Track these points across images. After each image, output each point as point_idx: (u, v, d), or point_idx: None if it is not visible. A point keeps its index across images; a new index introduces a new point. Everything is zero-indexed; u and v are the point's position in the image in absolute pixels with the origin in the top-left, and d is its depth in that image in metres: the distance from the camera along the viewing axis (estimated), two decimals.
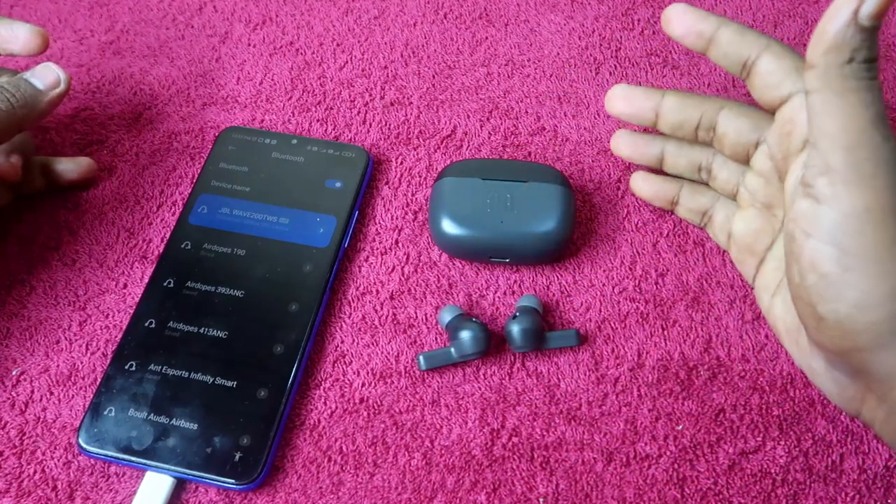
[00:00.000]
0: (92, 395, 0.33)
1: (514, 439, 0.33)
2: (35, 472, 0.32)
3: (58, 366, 0.35)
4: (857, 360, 0.27)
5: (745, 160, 0.34)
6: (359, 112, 0.44)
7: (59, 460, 0.32)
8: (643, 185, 0.38)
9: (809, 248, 0.27)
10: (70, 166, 0.39)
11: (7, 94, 0.34)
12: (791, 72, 0.30)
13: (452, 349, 0.34)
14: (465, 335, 0.34)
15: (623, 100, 0.36)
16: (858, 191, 0.25)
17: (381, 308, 0.37)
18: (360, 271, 0.38)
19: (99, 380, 0.34)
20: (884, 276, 0.25)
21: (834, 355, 0.28)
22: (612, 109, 0.37)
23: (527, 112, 0.44)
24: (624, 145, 0.38)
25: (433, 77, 0.46)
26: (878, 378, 0.27)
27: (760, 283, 0.34)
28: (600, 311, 0.37)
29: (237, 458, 0.31)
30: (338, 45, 0.47)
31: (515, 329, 0.34)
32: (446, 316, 0.35)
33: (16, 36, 0.36)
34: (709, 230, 0.38)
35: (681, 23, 0.32)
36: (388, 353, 0.35)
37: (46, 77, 0.35)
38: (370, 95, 0.45)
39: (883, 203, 0.25)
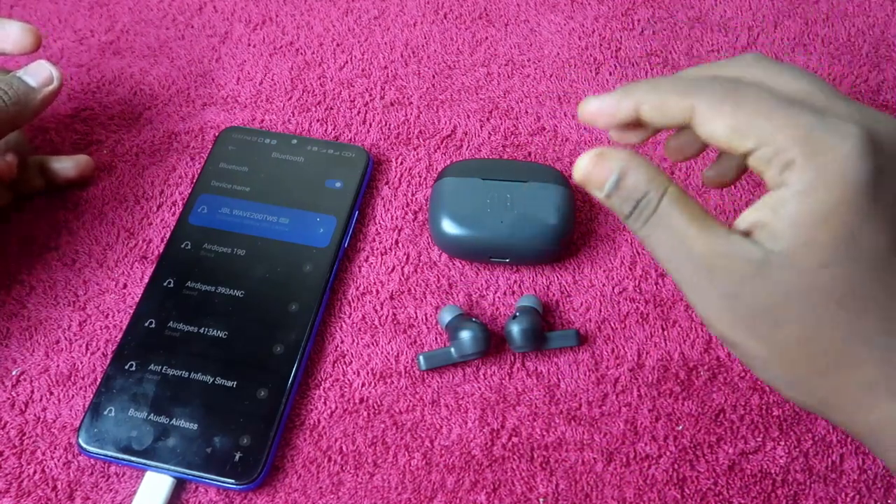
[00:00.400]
0: (92, 395, 0.33)
1: (514, 439, 0.33)
2: (35, 472, 0.32)
3: (58, 366, 0.35)
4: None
5: None
6: (359, 112, 0.44)
7: (59, 460, 0.32)
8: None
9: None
10: (68, 164, 0.39)
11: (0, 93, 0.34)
12: (730, 135, 0.26)
13: (452, 349, 0.34)
14: (465, 335, 0.34)
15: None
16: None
17: (381, 308, 0.37)
18: (360, 271, 0.38)
19: (99, 380, 0.34)
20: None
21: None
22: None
23: (527, 112, 0.44)
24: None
25: (433, 77, 0.46)
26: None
27: None
28: (600, 311, 0.37)
29: (237, 458, 0.31)
30: (338, 45, 0.47)
31: (515, 329, 0.34)
32: (446, 316, 0.35)
33: (7, 34, 0.35)
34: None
35: (592, 115, 0.29)
36: (388, 353, 0.35)
37: (39, 74, 0.35)
38: (370, 95, 0.45)
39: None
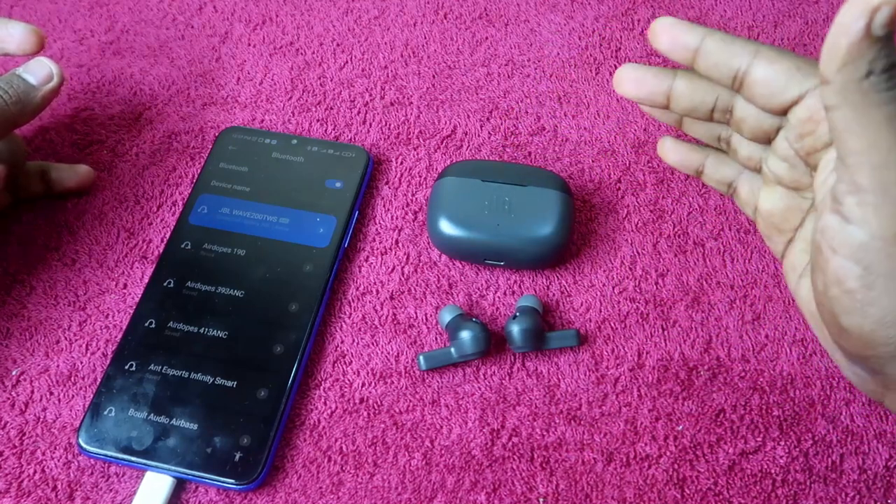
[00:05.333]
0: (92, 395, 0.33)
1: (514, 439, 0.33)
2: (35, 472, 0.32)
3: (58, 366, 0.35)
4: (877, 364, 0.27)
5: (766, 142, 0.32)
6: (359, 112, 0.44)
7: (59, 460, 0.32)
8: (670, 152, 0.36)
9: (835, 263, 0.26)
10: (68, 174, 0.39)
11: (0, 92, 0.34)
12: (792, 72, 0.28)
13: (452, 349, 0.34)
14: (466, 335, 0.34)
15: (632, 82, 0.33)
16: (888, 215, 0.25)
17: (381, 308, 0.37)
18: (360, 271, 0.38)
19: (99, 380, 0.34)
20: None
21: (854, 357, 0.28)
22: (622, 91, 0.33)
23: (527, 112, 0.44)
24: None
25: (433, 77, 0.46)
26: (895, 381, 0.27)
27: (788, 262, 0.32)
28: (600, 311, 0.37)
29: (237, 458, 0.31)
30: (338, 45, 0.47)
31: (515, 329, 0.34)
32: (446, 316, 0.35)
33: (11, 35, 0.35)
34: (735, 201, 0.35)
35: (667, 36, 0.31)
36: (388, 353, 0.35)
37: (39, 72, 0.35)
38: (370, 95, 0.45)
39: None
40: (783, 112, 0.28)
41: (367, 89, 0.45)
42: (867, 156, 0.24)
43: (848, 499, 0.32)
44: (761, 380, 0.35)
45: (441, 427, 0.33)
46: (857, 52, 0.23)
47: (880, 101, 0.24)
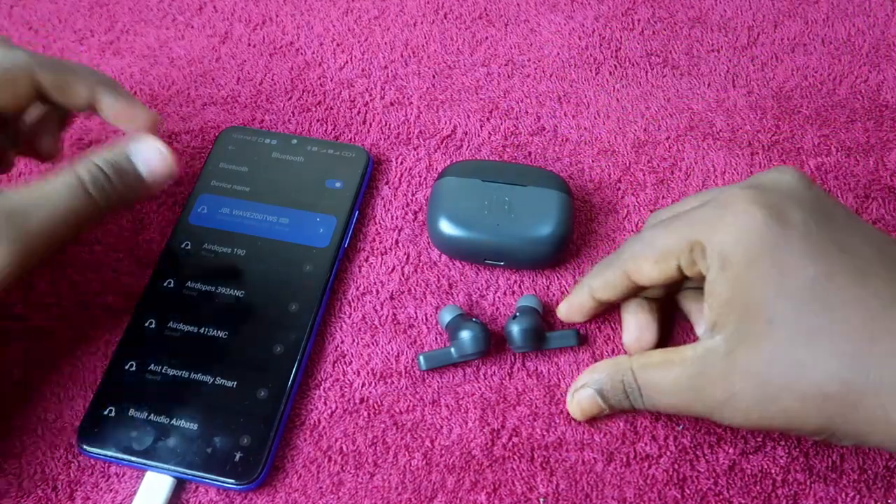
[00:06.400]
0: (92, 395, 0.33)
1: (515, 439, 0.33)
2: (35, 472, 0.32)
3: (58, 366, 0.34)
4: (791, 433, 0.32)
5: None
6: (359, 112, 0.44)
7: (59, 460, 0.32)
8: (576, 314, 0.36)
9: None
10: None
11: (102, 180, 0.29)
12: (658, 263, 0.31)
13: (452, 349, 0.34)
14: (466, 335, 0.33)
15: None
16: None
17: (381, 308, 0.37)
18: (360, 271, 0.38)
19: (99, 380, 0.34)
20: None
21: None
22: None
23: (527, 112, 0.44)
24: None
25: (433, 77, 0.46)
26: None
27: None
28: None
29: (237, 458, 0.31)
30: (338, 45, 0.47)
31: (515, 329, 0.34)
32: (446, 316, 0.35)
33: (132, 117, 0.32)
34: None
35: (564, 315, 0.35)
36: (388, 354, 0.35)
37: (152, 162, 0.30)
38: (370, 95, 0.45)
39: None
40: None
41: (367, 89, 0.45)
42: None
43: (848, 499, 0.32)
44: None
45: (441, 427, 0.33)
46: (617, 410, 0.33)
47: (645, 407, 0.32)
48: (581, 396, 0.32)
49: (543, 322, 0.35)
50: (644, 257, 0.31)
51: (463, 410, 0.34)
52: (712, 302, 0.28)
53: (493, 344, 0.35)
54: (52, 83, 0.31)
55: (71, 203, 0.28)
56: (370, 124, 0.43)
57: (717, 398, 0.28)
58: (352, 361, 0.35)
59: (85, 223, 0.29)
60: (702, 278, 0.30)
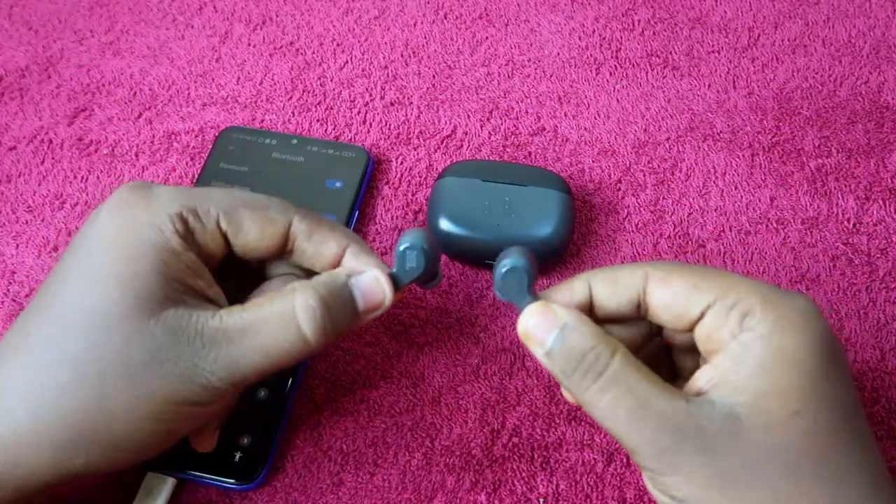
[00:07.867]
0: None
1: (515, 439, 0.33)
2: None
3: None
4: None
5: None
6: (359, 112, 0.44)
7: None
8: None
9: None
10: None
11: (318, 314, 0.25)
12: (689, 288, 0.26)
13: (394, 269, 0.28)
14: (400, 249, 0.27)
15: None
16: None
17: None
18: None
19: None
20: None
21: None
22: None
23: (527, 112, 0.44)
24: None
25: (433, 77, 0.46)
26: None
27: None
28: None
29: (237, 458, 0.31)
30: (338, 45, 0.47)
31: (506, 266, 0.27)
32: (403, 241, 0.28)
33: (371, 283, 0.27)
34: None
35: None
36: (389, 353, 0.35)
37: (372, 295, 0.27)
38: (370, 95, 0.45)
39: None
40: (691, 329, 0.26)
41: (367, 89, 0.45)
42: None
43: None
44: None
45: (441, 427, 0.33)
46: (550, 366, 0.25)
47: (589, 392, 0.25)
48: (538, 312, 0.26)
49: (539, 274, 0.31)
50: (677, 273, 0.26)
51: (463, 410, 0.34)
52: (740, 370, 0.24)
53: (444, 274, 0.30)
54: (306, 231, 0.28)
55: (284, 347, 0.25)
56: (370, 124, 0.43)
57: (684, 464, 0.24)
58: (352, 361, 0.35)
59: (289, 364, 0.26)
60: (685, 330, 0.26)
